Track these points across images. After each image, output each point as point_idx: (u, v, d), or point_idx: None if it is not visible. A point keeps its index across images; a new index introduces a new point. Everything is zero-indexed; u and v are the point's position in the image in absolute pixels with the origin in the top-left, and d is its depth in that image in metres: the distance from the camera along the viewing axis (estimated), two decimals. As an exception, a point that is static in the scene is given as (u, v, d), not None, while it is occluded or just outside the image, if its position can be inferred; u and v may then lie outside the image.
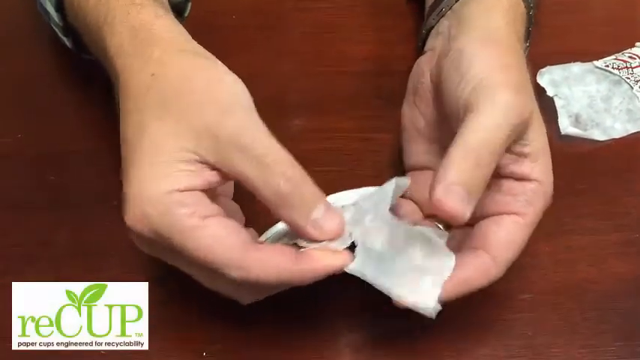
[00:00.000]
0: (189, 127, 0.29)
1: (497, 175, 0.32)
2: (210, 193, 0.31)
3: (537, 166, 0.32)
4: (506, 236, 0.31)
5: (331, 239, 0.30)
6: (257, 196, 0.29)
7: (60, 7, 0.39)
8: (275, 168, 0.28)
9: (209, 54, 0.32)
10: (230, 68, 0.32)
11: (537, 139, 0.32)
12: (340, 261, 0.29)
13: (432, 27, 0.40)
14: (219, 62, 0.32)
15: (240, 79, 0.31)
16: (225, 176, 0.30)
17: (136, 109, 0.30)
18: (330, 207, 0.30)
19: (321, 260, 0.29)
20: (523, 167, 0.32)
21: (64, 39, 0.41)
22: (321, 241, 0.29)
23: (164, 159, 0.29)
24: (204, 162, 0.29)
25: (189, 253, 0.29)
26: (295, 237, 0.31)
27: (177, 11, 0.42)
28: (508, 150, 0.31)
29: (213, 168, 0.29)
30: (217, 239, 0.28)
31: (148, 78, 0.30)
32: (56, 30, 0.41)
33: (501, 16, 0.35)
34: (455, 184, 0.29)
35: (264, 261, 0.29)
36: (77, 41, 0.41)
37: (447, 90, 0.33)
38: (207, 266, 0.29)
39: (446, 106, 0.34)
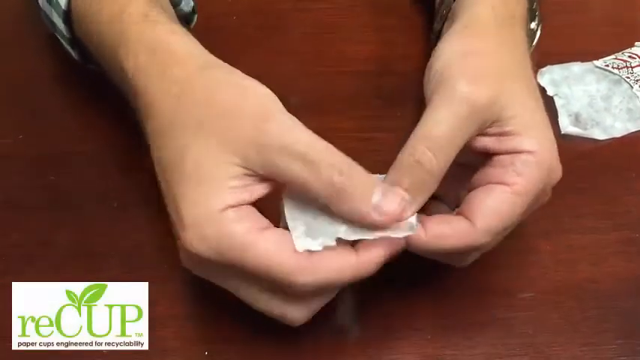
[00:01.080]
0: (232, 143, 0.29)
1: (488, 154, 0.32)
2: None
3: (527, 139, 0.32)
4: (490, 203, 0.31)
5: (398, 221, 0.29)
6: (313, 197, 0.29)
7: (67, 20, 0.39)
8: (323, 163, 0.28)
9: (223, 63, 0.32)
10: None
11: (521, 115, 0.32)
12: (399, 244, 0.29)
13: (439, 31, 0.40)
14: (236, 70, 0.32)
15: (259, 82, 0.31)
16: (272, 186, 0.30)
17: (170, 132, 0.30)
18: (387, 188, 0.29)
19: (381, 246, 0.29)
20: (510, 143, 0.32)
21: (71, 51, 0.41)
22: (386, 227, 0.29)
23: (212, 178, 0.29)
24: (253, 174, 0.29)
25: (253, 267, 0.28)
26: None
27: (184, 22, 0.42)
28: (485, 134, 0.32)
29: (263, 179, 0.29)
30: (279, 249, 0.28)
31: (175, 101, 0.30)
32: (62, 41, 0.41)
33: (487, 3, 0.35)
34: (395, 183, 0.30)
35: (327, 262, 0.29)
36: (83, 52, 0.40)
37: (424, 86, 0.34)
38: (272, 277, 0.29)
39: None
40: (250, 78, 0.31)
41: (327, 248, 0.29)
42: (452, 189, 0.34)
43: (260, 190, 0.29)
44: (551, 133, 0.33)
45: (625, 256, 0.39)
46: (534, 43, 0.42)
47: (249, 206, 0.29)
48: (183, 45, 0.32)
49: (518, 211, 0.31)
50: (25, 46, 0.47)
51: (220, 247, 0.28)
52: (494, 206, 0.31)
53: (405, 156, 0.31)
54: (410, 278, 0.37)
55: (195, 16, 0.43)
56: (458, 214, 0.32)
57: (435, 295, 0.37)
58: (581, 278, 0.38)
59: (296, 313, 0.31)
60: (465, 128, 0.31)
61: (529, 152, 0.31)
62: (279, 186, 0.30)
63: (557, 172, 0.33)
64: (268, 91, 0.30)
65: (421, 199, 0.31)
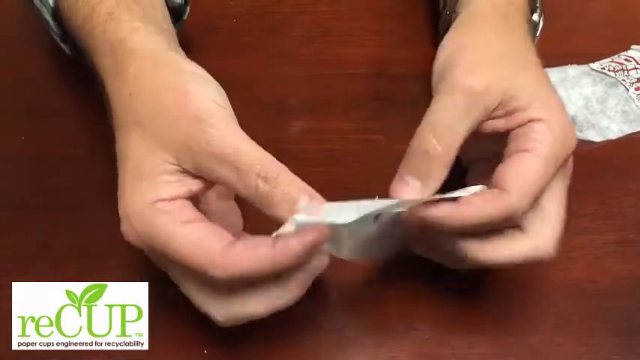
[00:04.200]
0: (167, 142, 0.30)
1: (501, 135, 0.33)
2: (200, 198, 0.32)
3: (534, 109, 0.33)
4: (515, 169, 0.32)
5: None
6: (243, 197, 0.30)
7: (56, 16, 0.40)
8: (250, 170, 0.29)
9: (184, 61, 0.33)
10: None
11: (524, 93, 0.33)
12: (314, 233, 0.29)
13: (445, 30, 0.41)
14: (191, 68, 0.32)
15: (211, 80, 0.32)
16: (208, 182, 0.31)
17: (120, 128, 0.32)
18: (314, 195, 0.30)
19: (295, 237, 0.29)
20: (518, 117, 0.33)
21: (63, 46, 0.42)
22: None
23: (148, 173, 0.30)
24: (185, 171, 0.30)
25: (172, 258, 0.30)
26: None
27: (176, 14, 0.42)
28: (492, 118, 0.33)
29: (195, 176, 0.30)
30: (195, 243, 0.29)
31: (127, 99, 0.32)
32: (55, 37, 0.42)
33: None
34: (406, 174, 0.32)
35: (240, 254, 0.29)
36: (75, 46, 0.41)
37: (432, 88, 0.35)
38: (191, 269, 0.29)
39: None
40: (199, 79, 0.32)
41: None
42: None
43: (194, 185, 0.30)
44: (559, 101, 0.34)
45: (620, 256, 0.39)
46: (537, 34, 0.43)
47: (181, 200, 0.30)
48: (141, 43, 0.33)
49: (543, 173, 0.32)
50: (26, 48, 0.47)
51: (145, 238, 0.30)
52: (519, 170, 0.32)
53: (412, 147, 0.33)
54: (408, 278, 0.37)
55: (188, 8, 0.43)
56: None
57: (433, 295, 0.37)
58: (577, 278, 0.38)
59: (219, 312, 0.31)
60: (465, 114, 0.32)
61: (538, 120, 0.32)
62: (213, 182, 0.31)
63: (572, 137, 0.33)
64: (213, 94, 0.31)
65: (433, 185, 0.32)
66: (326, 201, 0.30)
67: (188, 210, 0.30)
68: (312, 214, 0.29)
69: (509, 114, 0.33)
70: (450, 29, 0.37)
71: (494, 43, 0.35)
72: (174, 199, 0.30)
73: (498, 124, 0.33)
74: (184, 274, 0.31)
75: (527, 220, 0.33)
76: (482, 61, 0.34)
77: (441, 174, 0.32)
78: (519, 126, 0.33)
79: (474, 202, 0.31)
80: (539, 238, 0.33)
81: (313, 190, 0.30)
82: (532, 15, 0.40)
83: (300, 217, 0.29)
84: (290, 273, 0.30)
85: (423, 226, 0.32)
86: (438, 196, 0.32)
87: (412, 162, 0.32)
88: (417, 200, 0.32)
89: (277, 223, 0.30)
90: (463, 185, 0.34)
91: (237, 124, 0.31)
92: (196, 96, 0.31)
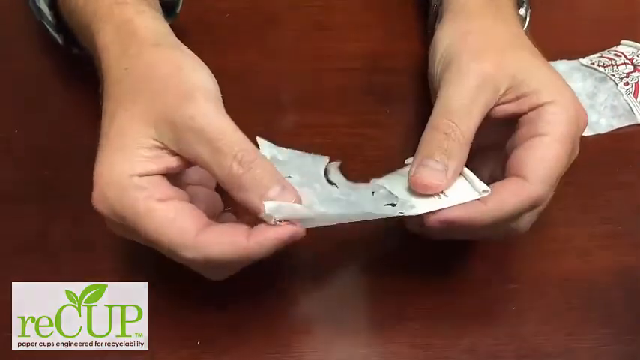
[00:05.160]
0: (151, 114, 0.30)
1: (513, 120, 0.34)
2: (177, 180, 0.32)
3: (545, 92, 0.33)
4: (534, 155, 0.32)
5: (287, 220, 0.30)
6: (216, 180, 0.30)
7: (53, 6, 0.40)
8: (227, 151, 0.29)
9: (183, 47, 0.33)
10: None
11: (532, 75, 0.33)
12: (291, 231, 0.29)
13: (434, 24, 0.41)
14: (188, 52, 0.33)
15: (205, 66, 0.32)
16: (185, 161, 0.31)
17: (110, 99, 0.32)
18: (287, 187, 0.30)
19: (272, 232, 0.29)
20: (529, 101, 0.33)
21: (56, 35, 0.42)
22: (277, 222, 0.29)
23: (127, 145, 0.30)
24: (164, 147, 0.30)
25: (144, 235, 0.30)
26: None
27: (169, 8, 0.42)
28: (502, 102, 0.33)
29: (174, 154, 0.30)
30: (169, 221, 0.29)
31: (122, 72, 0.32)
32: (48, 27, 0.42)
33: None
34: (426, 157, 0.32)
35: (215, 240, 0.29)
36: (68, 38, 0.42)
37: (429, 78, 0.36)
38: (161, 248, 0.30)
39: (433, 94, 0.35)
40: (195, 60, 0.32)
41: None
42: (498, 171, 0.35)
43: (171, 162, 0.31)
44: (566, 84, 0.34)
45: (609, 248, 0.40)
46: (524, 28, 0.43)
47: (158, 177, 0.30)
48: (146, 25, 0.34)
49: (563, 156, 0.32)
50: (21, 42, 0.47)
51: (117, 210, 0.30)
52: (539, 156, 0.32)
53: (430, 131, 0.32)
54: (400, 269, 0.38)
55: (181, 1, 0.44)
56: (506, 177, 0.33)
57: (424, 286, 0.38)
58: (566, 269, 0.39)
59: (209, 274, 0.33)
60: (478, 97, 0.33)
61: (551, 102, 0.33)
62: (190, 162, 0.31)
63: (584, 116, 0.34)
64: (206, 74, 0.32)
65: (455, 165, 0.32)
66: (297, 196, 0.30)
67: (164, 187, 0.30)
68: (282, 208, 0.29)
69: (519, 97, 0.33)
70: (443, 21, 0.38)
71: (495, 30, 0.36)
72: (150, 174, 0.30)
73: (510, 108, 0.34)
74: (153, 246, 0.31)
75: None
76: (488, 46, 0.34)
77: (462, 154, 0.32)
78: (531, 109, 0.33)
79: (500, 198, 0.31)
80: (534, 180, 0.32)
81: (288, 183, 0.30)
82: (519, 10, 0.41)
83: (270, 203, 0.29)
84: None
85: (445, 227, 0.31)
86: (437, 208, 0.31)
87: (431, 145, 0.32)
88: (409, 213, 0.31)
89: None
90: None
91: (224, 109, 0.31)
92: (189, 73, 0.31)
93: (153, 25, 0.34)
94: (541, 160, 0.32)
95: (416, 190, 0.32)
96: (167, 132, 0.30)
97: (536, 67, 0.34)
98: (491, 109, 0.34)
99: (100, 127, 0.32)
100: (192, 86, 0.31)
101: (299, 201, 0.30)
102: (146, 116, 0.30)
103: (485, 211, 0.31)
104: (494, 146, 0.36)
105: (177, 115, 0.30)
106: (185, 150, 0.30)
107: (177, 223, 0.29)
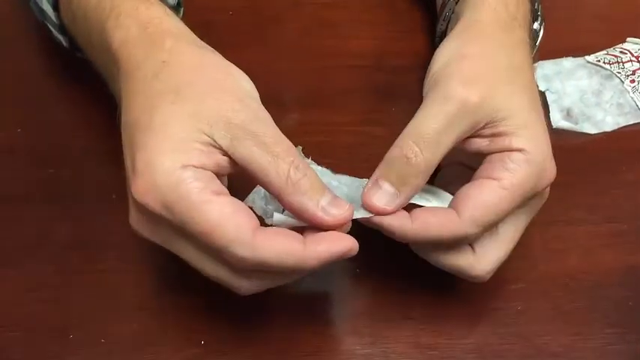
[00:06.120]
0: (205, 112, 0.30)
1: (483, 154, 0.33)
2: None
3: (518, 138, 0.32)
4: (476, 195, 0.32)
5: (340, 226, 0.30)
6: (264, 184, 0.30)
7: (57, 6, 0.40)
8: (285, 157, 0.30)
9: (215, 51, 0.33)
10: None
11: (515, 116, 0.32)
12: (348, 245, 0.30)
13: (443, 32, 0.40)
14: (224, 59, 0.33)
15: (245, 74, 0.32)
16: (234, 164, 0.30)
17: (143, 93, 0.31)
18: (335, 197, 0.31)
19: (328, 245, 0.29)
20: (501, 142, 0.32)
21: (60, 37, 0.42)
22: (328, 227, 0.30)
23: (180, 136, 0.29)
24: (217, 146, 0.30)
25: (197, 227, 0.29)
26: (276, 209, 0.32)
27: None
28: (478, 135, 0.33)
29: (225, 154, 0.30)
30: (227, 215, 0.29)
31: (158, 64, 0.31)
32: (52, 29, 0.41)
33: (489, 6, 0.36)
34: (381, 178, 0.32)
35: (272, 241, 0.29)
36: (73, 40, 0.41)
37: (423, 88, 0.35)
38: (214, 243, 0.29)
39: None
40: (241, 72, 0.32)
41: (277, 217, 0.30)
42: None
43: (222, 161, 0.30)
44: (546, 134, 0.33)
45: (614, 247, 0.39)
46: (537, 43, 0.43)
47: (210, 172, 0.30)
48: (175, 24, 0.34)
49: (504, 205, 0.32)
50: (24, 41, 0.47)
51: (168, 200, 0.29)
52: (479, 198, 0.32)
53: (393, 151, 0.32)
54: (403, 268, 0.38)
55: (182, 10, 0.44)
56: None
57: (429, 285, 0.38)
58: (570, 269, 0.39)
59: (243, 286, 0.31)
60: (453, 126, 0.32)
61: (519, 150, 0.32)
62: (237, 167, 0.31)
63: (550, 171, 0.33)
64: (251, 82, 0.32)
65: (407, 193, 0.32)
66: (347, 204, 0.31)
67: (217, 183, 0.30)
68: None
69: (494, 135, 0.33)
70: (451, 33, 0.36)
71: (495, 57, 0.34)
72: (204, 168, 0.29)
73: (482, 145, 0.33)
74: (197, 247, 0.30)
75: (479, 239, 0.33)
76: (480, 75, 0.33)
77: (418, 183, 0.32)
78: (500, 151, 0.32)
79: (426, 222, 0.32)
80: (480, 259, 0.33)
81: (334, 194, 0.31)
82: (533, 24, 0.40)
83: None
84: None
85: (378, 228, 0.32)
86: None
87: (390, 166, 0.32)
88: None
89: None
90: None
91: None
92: (239, 79, 0.32)
93: (183, 26, 0.34)
94: (480, 203, 0.32)
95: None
96: (223, 132, 0.30)
97: (520, 109, 0.33)
98: (464, 141, 0.33)
99: (126, 121, 0.31)
100: (246, 93, 0.31)
101: (351, 210, 0.31)
102: (200, 113, 0.30)
103: (409, 229, 0.32)
104: (461, 164, 0.36)
105: (236, 117, 0.30)
106: (240, 152, 0.30)
107: (235, 219, 0.29)
